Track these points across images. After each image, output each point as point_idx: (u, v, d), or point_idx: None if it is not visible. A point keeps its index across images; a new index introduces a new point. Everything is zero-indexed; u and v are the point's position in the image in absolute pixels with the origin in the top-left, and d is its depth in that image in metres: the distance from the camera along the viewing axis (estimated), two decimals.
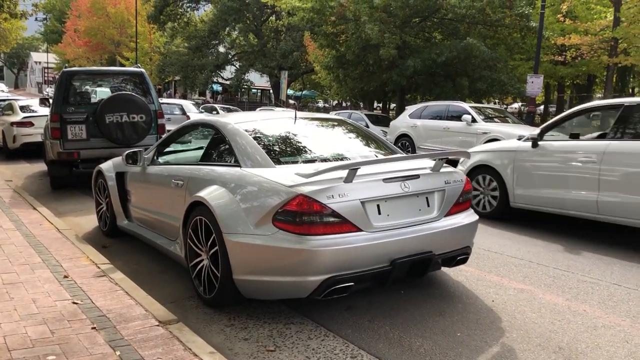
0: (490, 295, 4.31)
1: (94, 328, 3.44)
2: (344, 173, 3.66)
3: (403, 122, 16.04)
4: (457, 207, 4.18)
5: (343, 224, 3.59)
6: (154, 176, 5.20)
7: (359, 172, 3.68)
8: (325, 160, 4.23)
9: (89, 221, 7.02)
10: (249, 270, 3.74)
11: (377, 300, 4.17)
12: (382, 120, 19.41)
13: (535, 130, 7.81)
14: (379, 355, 3.31)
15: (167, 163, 5.34)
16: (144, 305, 3.85)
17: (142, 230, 5.48)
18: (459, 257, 4.20)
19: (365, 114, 19.85)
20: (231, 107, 33.41)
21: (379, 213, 3.74)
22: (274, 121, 4.86)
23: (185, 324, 3.64)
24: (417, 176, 3.95)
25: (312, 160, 4.20)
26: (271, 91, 48.42)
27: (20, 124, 13.61)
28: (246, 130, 4.44)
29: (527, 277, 4.77)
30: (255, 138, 4.35)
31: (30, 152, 13.62)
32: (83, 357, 3.04)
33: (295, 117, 4.88)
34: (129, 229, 5.75)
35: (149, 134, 9.52)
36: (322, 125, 5.06)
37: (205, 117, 5.39)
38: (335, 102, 54.18)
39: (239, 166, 4.14)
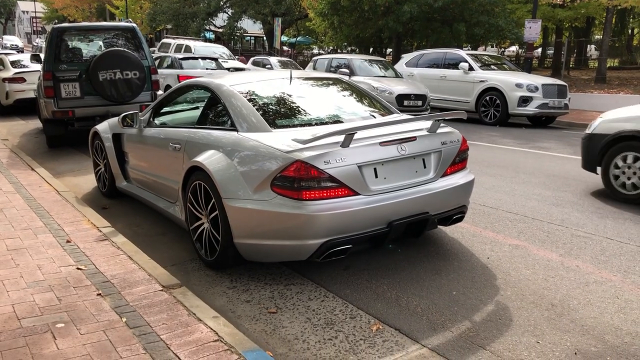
0: (486, 252, 4.41)
1: (100, 294, 3.53)
2: (340, 137, 3.67)
3: (400, 71, 15.87)
4: (453, 167, 4.22)
5: (340, 188, 3.63)
6: (150, 139, 5.20)
7: (355, 135, 3.69)
8: (321, 122, 4.23)
9: (88, 181, 7.06)
10: (249, 234, 3.81)
11: (374, 260, 4.27)
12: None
13: None
14: (377, 315, 3.42)
15: (163, 125, 5.34)
16: (147, 270, 3.94)
17: (141, 192, 5.53)
18: (455, 216, 4.27)
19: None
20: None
21: (376, 176, 3.78)
22: (270, 82, 4.82)
23: (188, 288, 3.74)
24: (413, 138, 3.97)
25: (309, 123, 4.21)
26: (265, 38, 47.57)
27: (12, 79, 13.47)
28: (242, 93, 4.42)
29: (522, 232, 4.86)
30: (251, 101, 4.34)
31: (24, 108, 13.52)
32: (91, 324, 3.13)
33: (291, 77, 4.85)
34: (128, 190, 5.79)
35: (143, 90, 9.45)
36: (318, 85, 5.03)
37: (201, 78, 5.30)
38: (331, 48, 53.41)
39: (236, 130, 4.15)
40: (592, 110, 16.21)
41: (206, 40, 56.27)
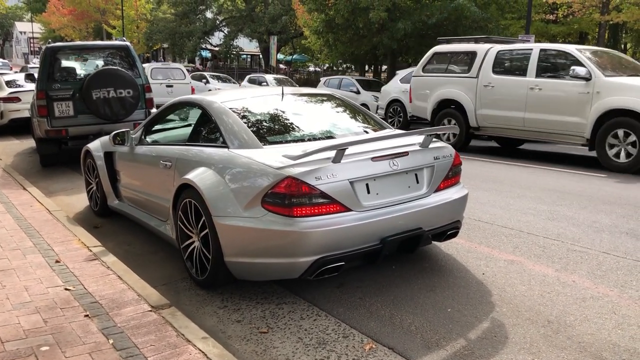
0: (481, 267, 4.35)
1: (87, 315, 3.46)
2: (332, 153, 3.64)
3: (394, 87, 15.94)
4: (447, 182, 4.18)
5: (332, 205, 3.59)
6: (142, 156, 5.15)
7: (347, 151, 3.66)
8: (313, 138, 4.20)
9: (80, 200, 7.00)
10: (240, 253, 3.75)
11: (368, 277, 4.20)
12: (374, 85, 19.23)
13: None
14: (370, 334, 3.35)
15: (155, 142, 5.30)
16: (137, 290, 3.87)
17: (133, 211, 5.47)
18: (450, 231, 4.22)
19: (356, 79, 19.65)
20: (221, 74, 33.02)
21: (368, 192, 3.73)
22: (261, 99, 4.80)
23: (178, 307, 3.67)
24: (405, 153, 3.93)
25: (300, 139, 4.17)
26: (261, 56, 47.85)
27: (7, 99, 13.44)
28: (233, 109, 4.39)
29: (517, 247, 4.81)
30: (242, 117, 4.31)
31: (19, 127, 13.47)
32: (77, 347, 3.06)
33: (283, 93, 4.83)
34: (120, 208, 5.73)
35: (137, 108, 9.44)
36: (310, 101, 5.00)
37: (192, 95, 5.32)
38: (327, 66, 53.71)
39: (227, 147, 4.11)
40: None
41: (202, 58, 56.69)
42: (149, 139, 5.39)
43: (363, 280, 4.14)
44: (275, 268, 3.69)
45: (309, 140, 4.17)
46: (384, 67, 31.34)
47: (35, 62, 44.80)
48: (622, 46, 39.34)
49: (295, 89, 5.26)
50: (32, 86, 13.96)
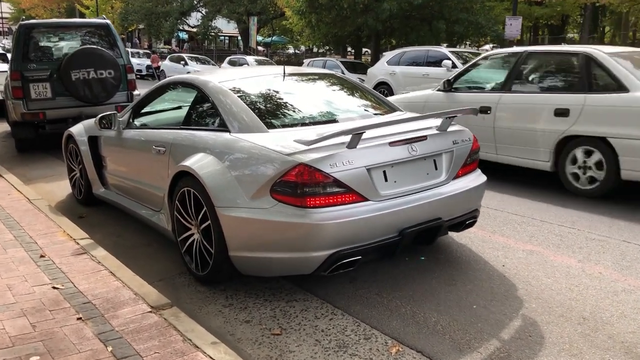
0: (499, 259, 4.10)
1: (80, 318, 3.12)
2: (346, 137, 3.33)
3: (381, 70, 15.63)
4: (465, 168, 3.91)
5: (348, 194, 3.28)
6: (131, 141, 4.78)
7: (362, 136, 3.35)
8: (321, 121, 3.88)
9: (62, 188, 6.59)
10: (247, 247, 3.44)
11: (381, 270, 3.92)
12: (359, 67, 18.89)
13: None
14: (393, 334, 3.07)
15: (144, 126, 4.92)
16: (133, 288, 3.53)
17: (121, 199, 5.10)
18: (468, 221, 3.96)
19: (341, 61, 19.28)
20: (199, 56, 32.29)
21: (386, 180, 3.44)
22: (261, 78, 4.45)
23: (179, 307, 3.35)
24: (424, 137, 3.64)
25: (308, 123, 3.85)
26: (239, 38, 47.05)
27: None
28: (232, 90, 4.04)
29: (533, 236, 4.57)
30: (242, 98, 3.96)
31: None
32: (71, 356, 2.73)
33: (284, 73, 4.49)
34: (107, 197, 5.36)
35: (118, 90, 8.98)
36: (313, 82, 4.67)
37: (185, 75, 4.92)
38: (305, 48, 53.06)
39: (227, 131, 3.77)
40: None
41: (179, 40, 55.50)
42: (137, 122, 5.01)
43: (376, 274, 3.86)
44: (285, 263, 3.38)
45: (317, 123, 3.85)
46: (364, 50, 30.96)
47: (4, 43, 43.37)
48: (601, 29, 39.51)
49: (295, 68, 4.91)
50: (4, 67, 13.35)
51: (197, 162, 3.68)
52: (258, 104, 3.99)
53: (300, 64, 30.95)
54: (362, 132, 3.31)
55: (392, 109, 4.41)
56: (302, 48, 55.17)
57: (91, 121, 5.68)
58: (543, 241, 4.45)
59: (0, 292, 3.46)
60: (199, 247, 3.78)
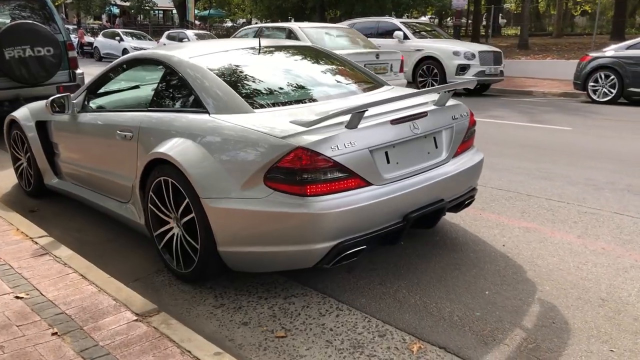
0: (497, 238, 3.94)
1: (56, 333, 2.71)
2: (344, 117, 3.02)
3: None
4: (463, 145, 3.68)
5: (351, 179, 2.99)
6: (88, 126, 4.30)
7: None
8: (310, 100, 3.55)
9: (5, 179, 5.99)
10: (239, 241, 3.10)
11: (378, 257, 3.67)
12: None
13: None
14: (410, 329, 2.83)
15: (101, 109, 4.44)
16: (110, 292, 3.13)
17: (79, 190, 4.61)
18: (467, 201, 3.76)
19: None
20: (135, 31, 30.83)
21: (388, 162, 3.16)
22: (235, 52, 4.04)
23: (166, 311, 2.99)
24: (424, 114, 3.37)
25: (295, 101, 3.51)
26: (174, 12, 45.43)
27: None
28: (206, 66, 3.64)
29: (524, 212, 4.43)
30: (219, 76, 3.57)
31: None
32: None
33: (260, 46, 4.11)
34: (62, 188, 4.85)
35: (59, 69, 8.26)
36: (293, 55, 4.29)
37: (147, 50, 4.39)
38: (243, 21, 51.74)
39: (206, 112, 3.38)
40: (523, 76, 16.34)
41: (110, 15, 53.02)
42: (93, 104, 4.51)
43: (375, 262, 3.60)
44: (283, 257, 3.07)
45: (306, 101, 3.52)
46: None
47: None
48: None
49: (270, 40, 4.51)
50: None
51: (174, 148, 3.29)
52: (237, 81, 3.61)
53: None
54: (365, 110, 3.01)
55: (379, 83, 4.13)
56: (240, 21, 53.80)
57: (38, 104, 5.12)
58: (536, 217, 4.32)
59: None
60: (180, 242, 3.41)
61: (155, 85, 4.03)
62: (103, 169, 4.20)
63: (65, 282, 3.28)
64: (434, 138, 3.45)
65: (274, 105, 3.42)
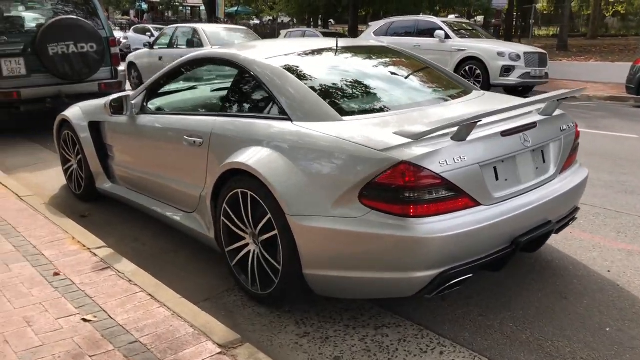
0: (598, 261, 3.56)
1: None
2: (449, 128, 2.68)
3: (369, 40, 14.87)
4: (569, 160, 3.32)
5: (458, 199, 2.65)
6: (150, 129, 4.02)
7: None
8: (403, 107, 3.20)
9: (50, 179, 5.76)
10: (328, 264, 2.78)
11: (470, 282, 3.31)
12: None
13: None
14: None
15: (160, 111, 4.16)
16: (185, 317, 2.83)
17: (135, 197, 4.34)
18: (570, 221, 3.39)
19: (321, 32, 18.43)
20: (163, 27, 30.71)
21: (497, 179, 2.82)
22: (311, 54, 3.73)
23: (245, 338, 2.69)
24: (534, 125, 3.02)
25: (387, 109, 3.17)
26: (201, 8, 45.36)
27: None
28: (286, 69, 3.33)
29: (619, 232, 4.05)
30: (300, 79, 3.26)
31: None
32: None
33: (337, 47, 3.79)
34: (115, 193, 4.59)
35: (102, 66, 8.06)
36: (371, 57, 3.95)
37: (216, 50, 4.05)
38: (269, 19, 51.49)
39: (288, 119, 3.07)
40: (564, 78, 15.79)
41: (138, 11, 53.16)
42: (151, 105, 4.23)
43: (468, 288, 3.24)
44: (379, 285, 2.74)
45: (396, 109, 3.18)
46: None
47: None
48: None
49: (346, 41, 4.18)
50: None
51: (254, 158, 2.98)
52: (320, 85, 3.29)
53: (267, 35, 29.87)
54: (478, 121, 2.67)
55: (468, 87, 3.78)
56: (265, 19, 53.61)
57: (90, 103, 4.87)
58: (635, 238, 3.93)
59: (18, 329, 2.72)
60: (257, 261, 3.11)
61: (225, 88, 3.74)
62: (165, 176, 3.92)
63: (134, 303, 2.99)
64: (542, 152, 3.09)
65: (362, 112, 3.10)
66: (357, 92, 3.33)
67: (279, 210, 2.82)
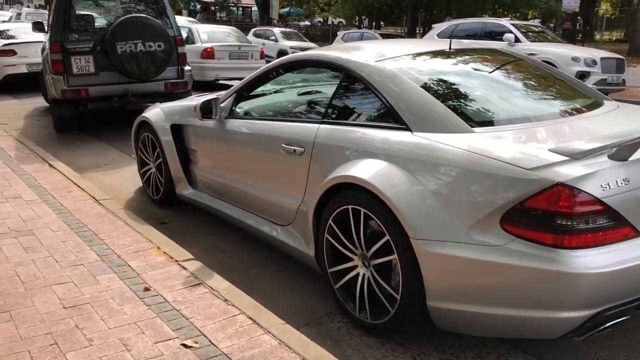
0: None
1: None
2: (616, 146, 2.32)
3: None
4: None
5: (619, 228, 2.29)
6: (240, 135, 3.77)
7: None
8: (533, 118, 2.85)
9: (124, 181, 5.62)
10: (458, 297, 2.46)
11: None
12: None
13: None
14: None
15: (251, 115, 3.91)
16: (295, 349, 2.55)
17: (219, 205, 4.11)
18: None
19: (380, 34, 18.06)
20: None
21: None
22: (426, 57, 3.41)
23: None
24: None
25: (516, 119, 2.82)
26: (253, 9, 45.63)
27: (1, 52, 11.72)
28: (400, 72, 3.02)
29: None
30: (418, 84, 2.94)
31: (15, 85, 11.83)
32: None
33: (450, 49, 3.46)
34: (197, 199, 4.37)
35: (169, 65, 7.95)
36: (492, 62, 3.58)
37: (315, 51, 3.73)
38: (319, 20, 51.38)
39: (406, 129, 2.76)
40: (638, 85, 14.96)
41: (191, 11, 53.86)
42: (239, 109, 3.99)
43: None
44: (517, 323, 2.40)
45: (535, 121, 2.80)
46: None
47: (12, 11, 41.77)
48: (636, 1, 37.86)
49: (459, 42, 3.83)
50: (29, 37, 12.30)
51: (371, 172, 2.68)
52: (440, 91, 2.97)
53: (317, 37, 29.63)
54: None
55: (599, 98, 3.39)
56: (315, 20, 53.53)
57: (172, 105, 4.68)
58: None
59: (116, 353, 2.49)
60: (368, 285, 2.80)
61: (325, 93, 3.46)
62: (256, 185, 3.67)
63: (235, 328, 2.73)
64: None
65: (493, 123, 2.76)
66: (482, 100, 2.99)
67: (401, 232, 2.52)
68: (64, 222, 4.13)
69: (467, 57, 3.49)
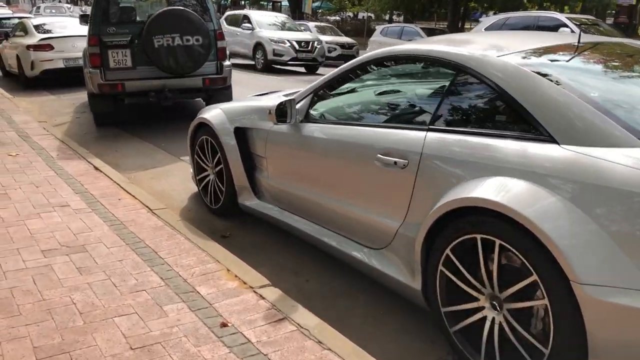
0: None
1: None
2: None
3: None
4: None
5: None
6: (323, 142, 3.28)
7: None
8: None
9: (175, 186, 5.18)
10: (628, 357, 1.93)
11: None
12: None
13: None
14: None
15: (330, 119, 3.41)
16: None
17: (292, 219, 3.62)
18: None
19: (421, 28, 17.41)
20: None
21: None
22: (556, 52, 2.87)
23: None
24: None
25: None
26: (283, 4, 45.13)
27: (37, 47, 11.43)
28: (532, 71, 2.49)
29: None
30: (559, 85, 2.41)
31: (52, 80, 11.55)
32: None
33: (579, 42, 2.91)
34: (263, 212, 3.89)
35: (207, 60, 7.51)
36: (623, 56, 3.05)
37: (411, 45, 3.22)
38: (351, 14, 50.62)
39: (551, 140, 2.23)
40: None
41: (220, 5, 53.61)
42: (315, 112, 3.50)
43: None
44: None
45: None
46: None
47: (45, 7, 41.91)
48: None
49: (587, 36, 3.27)
50: (65, 32, 12.03)
51: (509, 194, 2.16)
52: (589, 94, 2.42)
53: (349, 32, 29.00)
54: None
55: None
56: (346, 14, 52.81)
57: (235, 106, 4.22)
58: None
59: None
60: (499, 333, 2.29)
61: (431, 94, 2.94)
62: (341, 200, 3.17)
63: None
64: None
65: None
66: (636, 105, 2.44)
67: (557, 273, 1.99)
68: (118, 237, 3.70)
69: (604, 52, 2.94)
